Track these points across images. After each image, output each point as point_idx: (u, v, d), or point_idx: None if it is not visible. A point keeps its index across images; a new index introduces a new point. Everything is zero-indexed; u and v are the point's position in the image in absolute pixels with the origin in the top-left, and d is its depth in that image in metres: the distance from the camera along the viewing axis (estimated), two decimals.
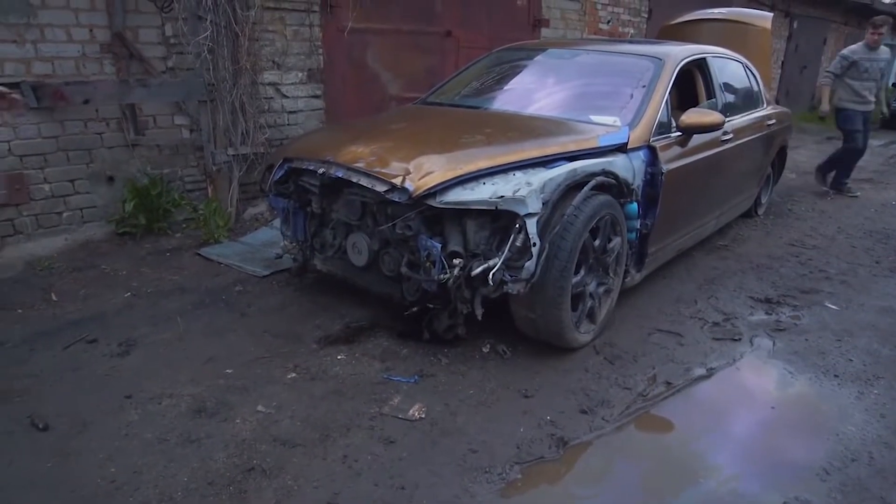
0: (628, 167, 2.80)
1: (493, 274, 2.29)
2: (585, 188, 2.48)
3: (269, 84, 4.55)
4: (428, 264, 2.42)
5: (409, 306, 2.65)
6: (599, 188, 2.59)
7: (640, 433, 2.23)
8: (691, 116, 3.13)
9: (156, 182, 3.96)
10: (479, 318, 2.49)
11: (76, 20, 3.68)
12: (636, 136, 2.90)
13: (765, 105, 4.58)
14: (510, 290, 2.33)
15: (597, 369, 2.59)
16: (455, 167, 2.40)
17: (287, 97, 4.68)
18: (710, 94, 3.73)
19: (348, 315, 2.95)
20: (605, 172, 2.62)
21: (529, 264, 2.29)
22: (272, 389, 2.35)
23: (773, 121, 4.56)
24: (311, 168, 2.72)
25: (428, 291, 2.52)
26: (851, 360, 2.77)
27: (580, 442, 2.13)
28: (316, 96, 4.86)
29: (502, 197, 2.29)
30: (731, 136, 3.70)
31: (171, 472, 1.89)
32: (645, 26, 8.27)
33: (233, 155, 4.22)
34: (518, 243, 2.29)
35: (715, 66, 3.82)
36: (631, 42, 4.05)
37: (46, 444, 2.01)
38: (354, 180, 2.52)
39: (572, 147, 2.68)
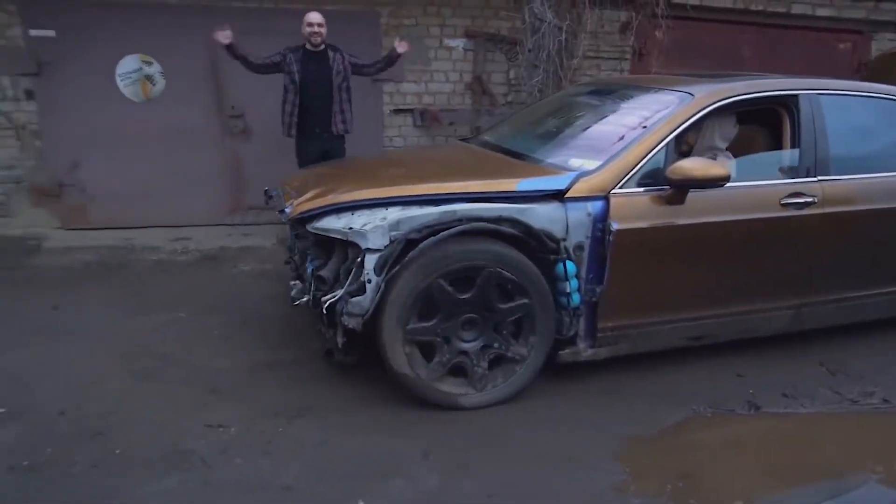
0: (557, 218, 2.47)
1: (334, 304, 2.35)
2: (445, 232, 2.33)
3: None
4: (306, 285, 2.63)
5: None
6: (499, 237, 2.42)
7: (831, 424, 2.53)
8: (683, 167, 2.51)
9: None
10: (340, 346, 2.48)
11: (453, 67, 5.32)
12: (591, 184, 2.53)
13: None
14: (346, 324, 2.33)
15: (815, 376, 2.89)
16: (334, 197, 2.53)
17: None
18: (796, 143, 2.93)
19: None
20: (503, 220, 2.40)
21: (362, 300, 2.30)
22: None
23: None
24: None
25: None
26: None
27: (771, 412, 2.57)
28: None
29: (352, 228, 2.36)
30: (812, 199, 2.81)
31: None
32: None
33: None
34: (361, 277, 2.32)
35: (815, 106, 2.93)
36: (702, 75, 3.25)
37: None
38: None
39: (475, 189, 2.50)
